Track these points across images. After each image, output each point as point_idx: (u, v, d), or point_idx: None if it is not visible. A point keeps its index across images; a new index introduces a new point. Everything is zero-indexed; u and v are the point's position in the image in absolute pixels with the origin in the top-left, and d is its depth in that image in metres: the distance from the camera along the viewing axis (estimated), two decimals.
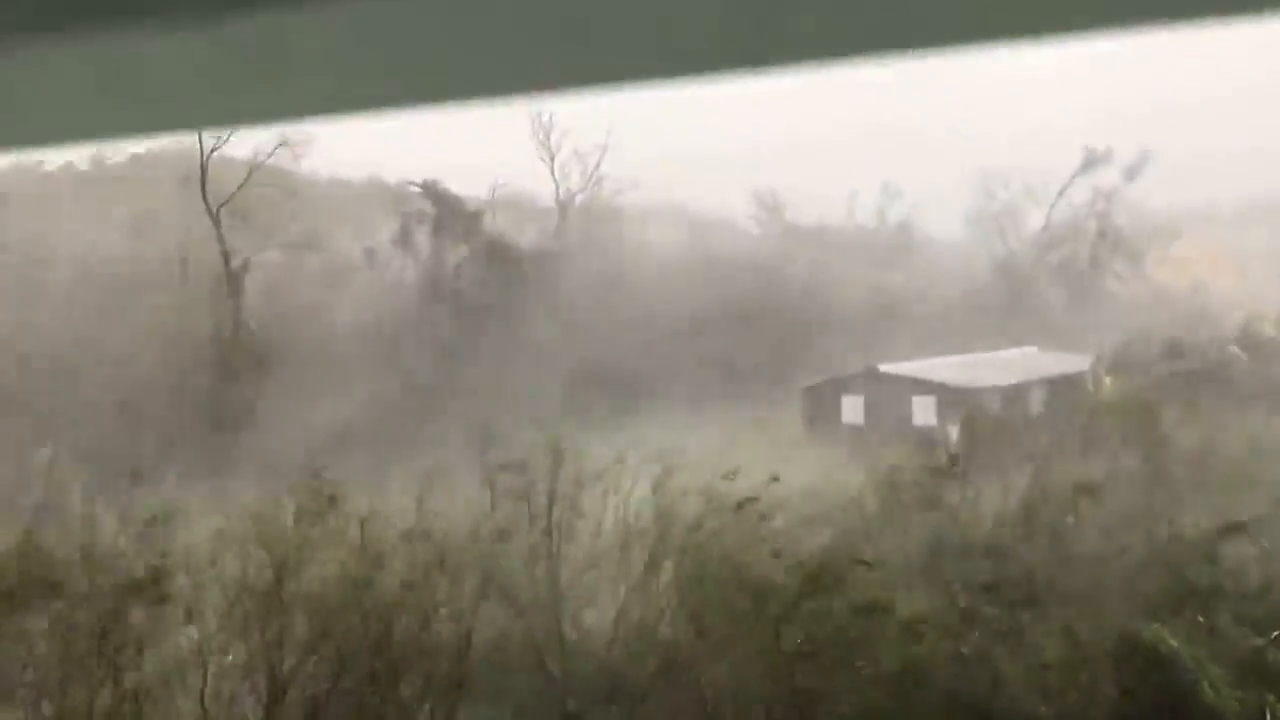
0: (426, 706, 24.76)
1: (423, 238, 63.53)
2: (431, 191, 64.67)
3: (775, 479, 28.46)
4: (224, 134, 56.35)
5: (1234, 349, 51.85)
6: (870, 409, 51.34)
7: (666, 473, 28.63)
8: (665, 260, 66.39)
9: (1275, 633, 17.20)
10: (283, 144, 56.81)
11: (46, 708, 22.27)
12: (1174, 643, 16.97)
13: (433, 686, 25.05)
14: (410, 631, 25.15)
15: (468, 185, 65.88)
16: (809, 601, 23.41)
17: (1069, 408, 45.84)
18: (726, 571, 24.70)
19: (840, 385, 53.41)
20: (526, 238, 66.97)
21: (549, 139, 71.15)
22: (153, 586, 23.23)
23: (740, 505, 26.52)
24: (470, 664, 25.86)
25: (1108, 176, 73.69)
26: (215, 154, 56.91)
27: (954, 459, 35.03)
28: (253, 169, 56.99)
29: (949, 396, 49.31)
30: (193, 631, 23.24)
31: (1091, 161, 72.64)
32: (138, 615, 23.24)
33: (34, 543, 24.62)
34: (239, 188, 56.52)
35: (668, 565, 26.35)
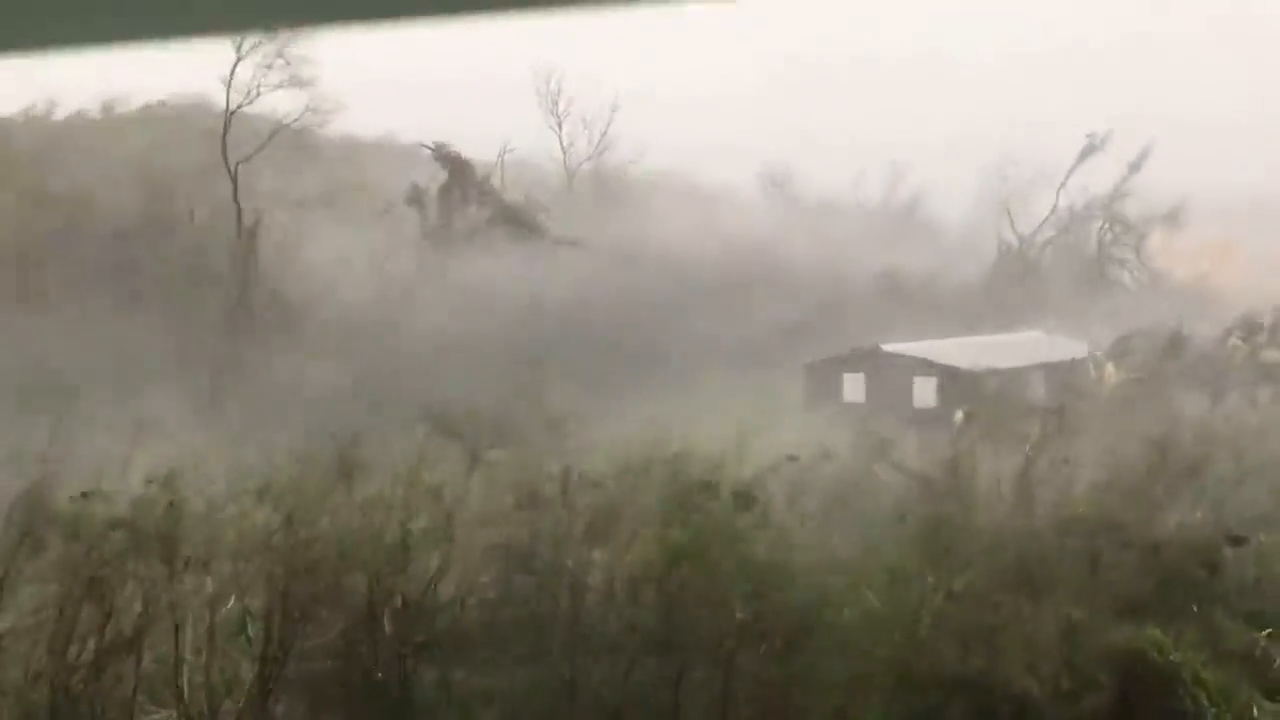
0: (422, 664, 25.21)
1: (432, 200, 63.62)
2: (442, 154, 64.73)
3: (793, 458, 28.63)
4: (251, 93, 56.50)
5: (1235, 340, 52.02)
6: (871, 387, 51.57)
7: (668, 442, 28.87)
8: (671, 230, 66.45)
9: (1269, 630, 17.50)
10: (311, 109, 56.96)
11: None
12: (1173, 655, 17.27)
13: (430, 644, 25.47)
14: (412, 591, 25.55)
15: (478, 150, 66.07)
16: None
17: (1070, 393, 46.08)
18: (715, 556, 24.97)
19: (842, 363, 53.57)
20: (534, 202, 67.01)
21: (556, 106, 71.30)
22: (160, 539, 23.55)
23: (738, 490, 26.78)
24: (469, 623, 26.28)
25: (1115, 166, 73.73)
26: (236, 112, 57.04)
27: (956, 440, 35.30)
28: (275, 131, 57.02)
29: (951, 378, 49.54)
30: (202, 581, 23.57)
31: (1095, 149, 72.65)
32: (144, 565, 23.59)
33: (43, 491, 24.92)
34: (258, 149, 56.51)
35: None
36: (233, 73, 55.92)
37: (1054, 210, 75.82)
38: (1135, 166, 72.35)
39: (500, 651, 24.88)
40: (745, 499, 24.73)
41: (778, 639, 22.44)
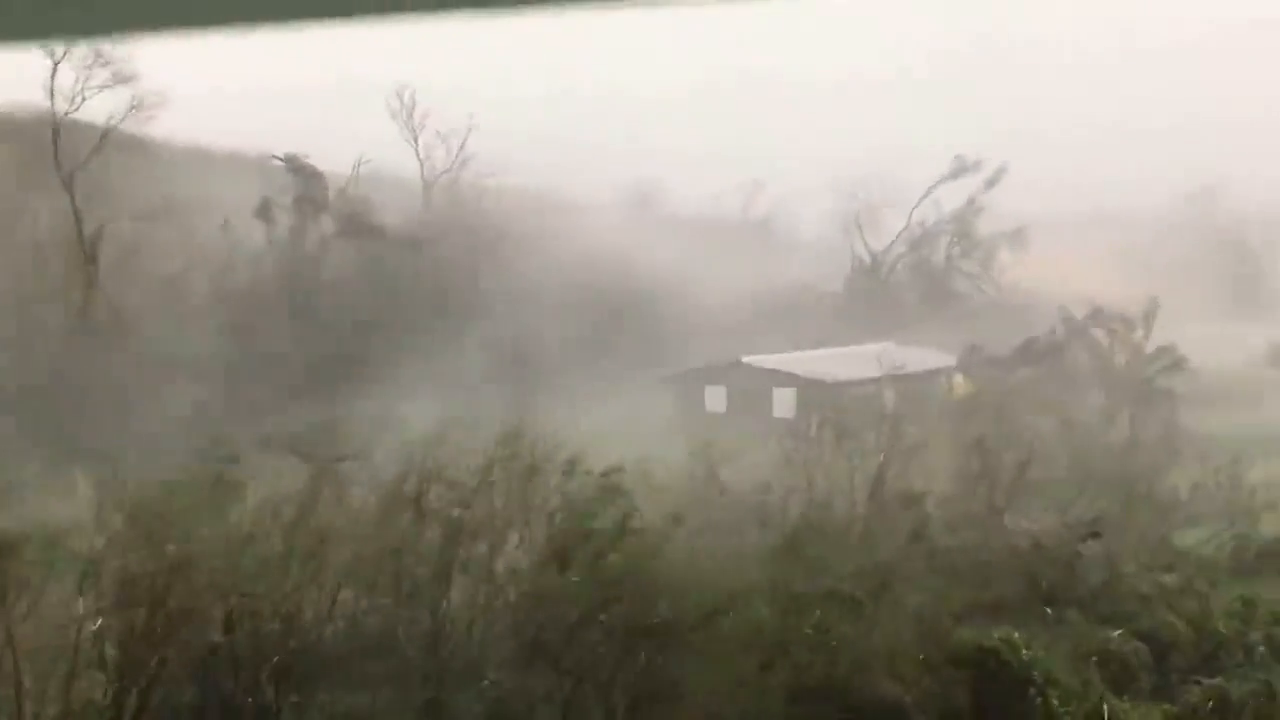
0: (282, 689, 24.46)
1: (283, 211, 62.16)
2: (294, 165, 63.34)
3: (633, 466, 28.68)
4: (76, 99, 54.46)
5: (1078, 350, 53.98)
6: (732, 398, 52.21)
7: (532, 454, 28.63)
8: (531, 244, 66.20)
9: (1117, 632, 18.13)
10: (135, 106, 54.98)
11: None
12: (1025, 653, 17.76)
13: (291, 669, 24.74)
14: (271, 613, 24.81)
15: (332, 162, 64.90)
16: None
17: (922, 403, 47.26)
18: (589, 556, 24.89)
19: (704, 374, 54.16)
20: (389, 216, 66.01)
21: (411, 118, 70.45)
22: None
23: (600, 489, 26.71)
24: (330, 647, 25.61)
25: (965, 184, 76.13)
26: (67, 118, 54.87)
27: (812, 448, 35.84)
28: (105, 133, 54.99)
29: (809, 389, 50.39)
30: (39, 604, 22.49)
31: (965, 169, 75.03)
32: None
33: None
34: (92, 152, 54.45)
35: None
36: (53, 79, 53.80)
37: (906, 226, 77.89)
38: (991, 183, 74.96)
39: (363, 671, 24.31)
40: (616, 504, 24.67)
41: (654, 649, 22.41)
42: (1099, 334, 53.60)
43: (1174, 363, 51.15)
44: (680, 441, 39.61)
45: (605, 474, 27.77)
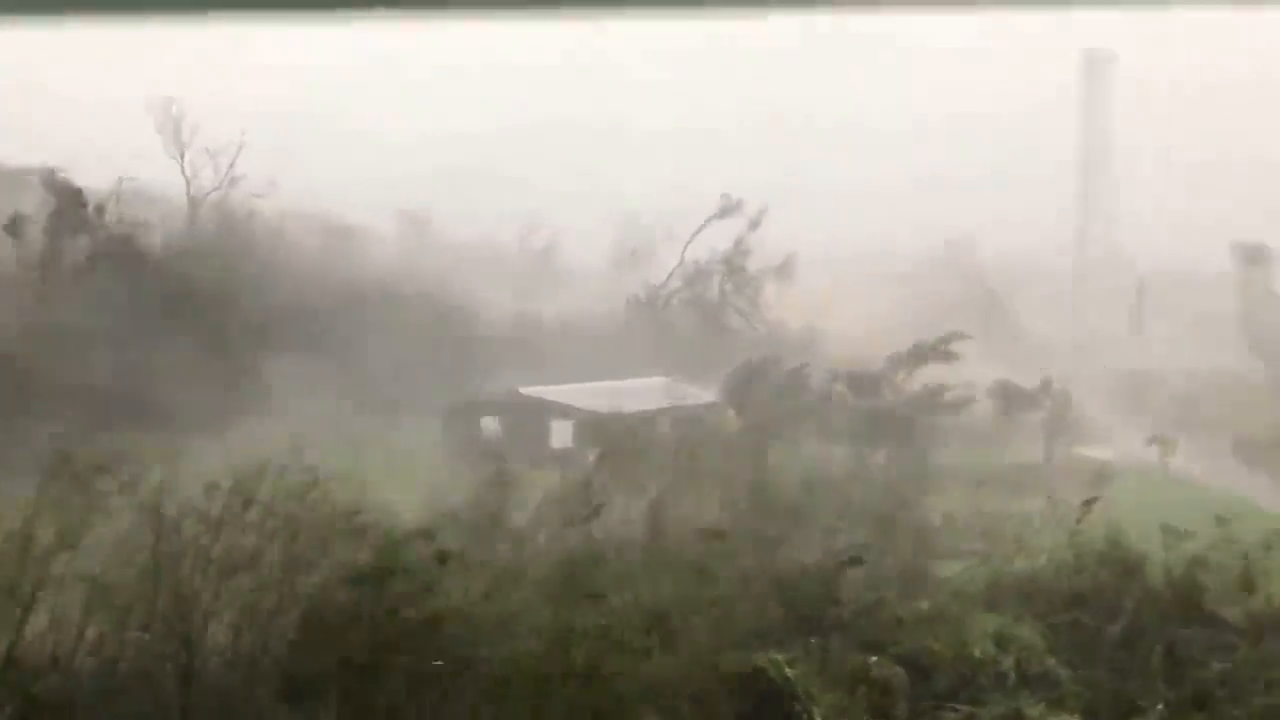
0: None
1: (38, 228, 58.67)
2: (50, 181, 59.93)
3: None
4: None
5: (840, 386, 56.06)
6: (510, 430, 52.01)
7: (296, 484, 27.73)
8: (301, 268, 64.52)
9: (875, 658, 18.77)
10: None
11: None
12: (789, 671, 18.20)
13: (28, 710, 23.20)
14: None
15: (93, 177, 61.66)
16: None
17: (695, 436, 48.14)
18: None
19: (480, 405, 53.81)
20: (153, 236, 63.18)
21: (178, 133, 67.76)
22: None
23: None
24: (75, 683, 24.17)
25: (734, 223, 78.52)
26: None
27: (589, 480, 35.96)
28: None
29: (586, 421, 50.64)
30: None
31: (731, 209, 77.22)
32: None
33: None
34: None
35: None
36: None
37: (681, 263, 79.64)
38: (754, 224, 77.33)
39: (114, 710, 22.96)
40: (386, 539, 24.10)
41: (423, 685, 21.95)
42: (864, 370, 55.78)
43: (932, 400, 53.76)
44: (456, 472, 39.18)
45: (376, 508, 27.14)
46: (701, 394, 58.40)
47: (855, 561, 20.85)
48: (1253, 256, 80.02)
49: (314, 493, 27.02)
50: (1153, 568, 21.54)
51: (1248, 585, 20.41)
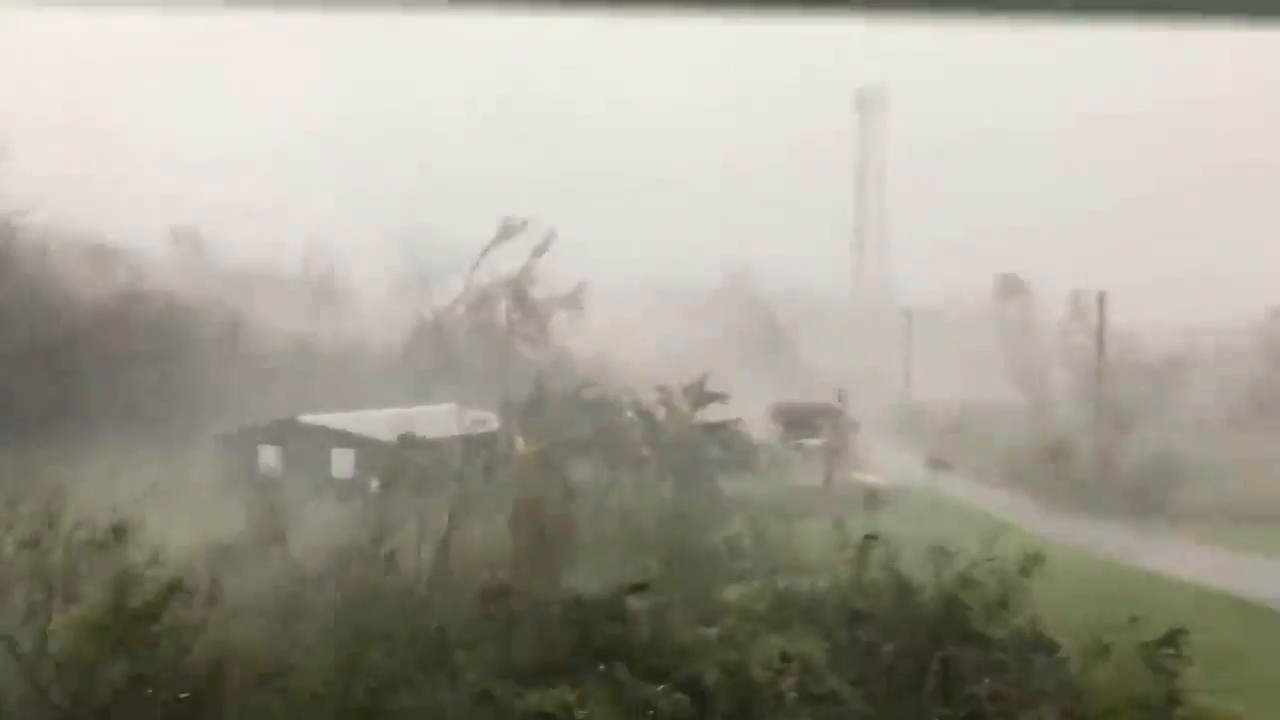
0: None
1: None
2: None
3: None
4: None
5: (630, 414, 56.49)
6: (289, 459, 50.34)
7: (59, 517, 26.11)
8: (71, 291, 61.21)
9: (661, 686, 18.82)
10: None
11: None
12: (579, 713, 18.08)
13: None
14: None
15: None
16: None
17: (484, 465, 47.60)
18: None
19: (259, 434, 51.93)
20: None
21: None
22: None
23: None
24: None
25: (521, 248, 78.49)
26: None
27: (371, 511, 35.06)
28: None
29: (369, 449, 49.47)
30: None
31: (513, 232, 76.93)
32: None
33: None
34: None
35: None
36: None
37: (467, 288, 79.01)
38: (540, 250, 77.42)
39: None
40: (162, 572, 22.83)
41: None
42: (650, 399, 56.34)
43: (715, 428, 54.73)
44: (233, 504, 37.69)
45: (149, 542, 25.75)
46: (490, 421, 57.89)
47: (640, 589, 20.86)
48: (1010, 289, 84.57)
49: (78, 531, 25.50)
50: (925, 588, 22.30)
51: (1010, 605, 21.33)
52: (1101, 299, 62.89)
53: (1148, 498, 55.29)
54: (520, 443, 53.61)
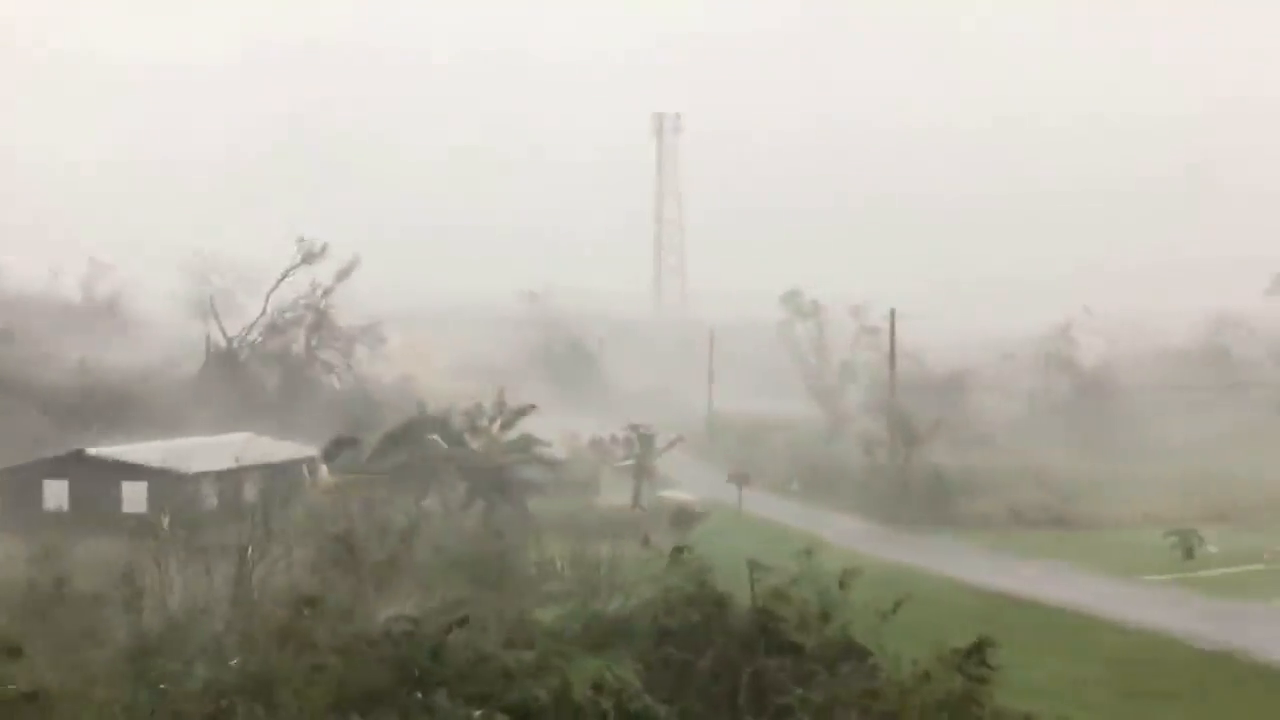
0: None
1: None
2: None
3: None
4: None
5: (435, 437, 55.57)
6: (76, 494, 47.85)
7: None
8: None
9: (480, 711, 18.65)
10: None
11: None
12: None
13: None
14: None
15: None
16: None
17: (286, 494, 46.24)
18: None
19: (44, 468, 49.17)
20: None
21: None
22: None
23: None
24: None
25: (321, 274, 76.90)
26: None
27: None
28: None
29: (162, 481, 47.46)
30: None
31: (313, 257, 75.32)
32: None
33: None
34: None
35: None
36: None
37: (263, 314, 76.76)
38: (343, 275, 75.93)
39: None
40: None
41: None
42: (456, 423, 55.61)
43: (524, 450, 54.44)
44: (15, 544, 35.68)
45: None
46: (290, 450, 56.32)
47: (462, 623, 20.63)
48: (801, 309, 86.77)
49: None
50: (736, 602, 22.73)
51: (823, 616, 21.92)
52: (892, 316, 65.29)
53: (938, 507, 57.66)
54: (324, 471, 52.25)
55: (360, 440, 53.20)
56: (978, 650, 19.60)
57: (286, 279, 74.74)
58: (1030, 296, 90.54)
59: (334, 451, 52.19)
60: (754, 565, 22.48)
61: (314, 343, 78.11)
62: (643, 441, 64.38)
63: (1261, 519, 53.11)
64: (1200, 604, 39.24)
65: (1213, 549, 47.55)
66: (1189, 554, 46.65)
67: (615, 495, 61.24)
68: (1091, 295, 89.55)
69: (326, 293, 76.01)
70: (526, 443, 54.55)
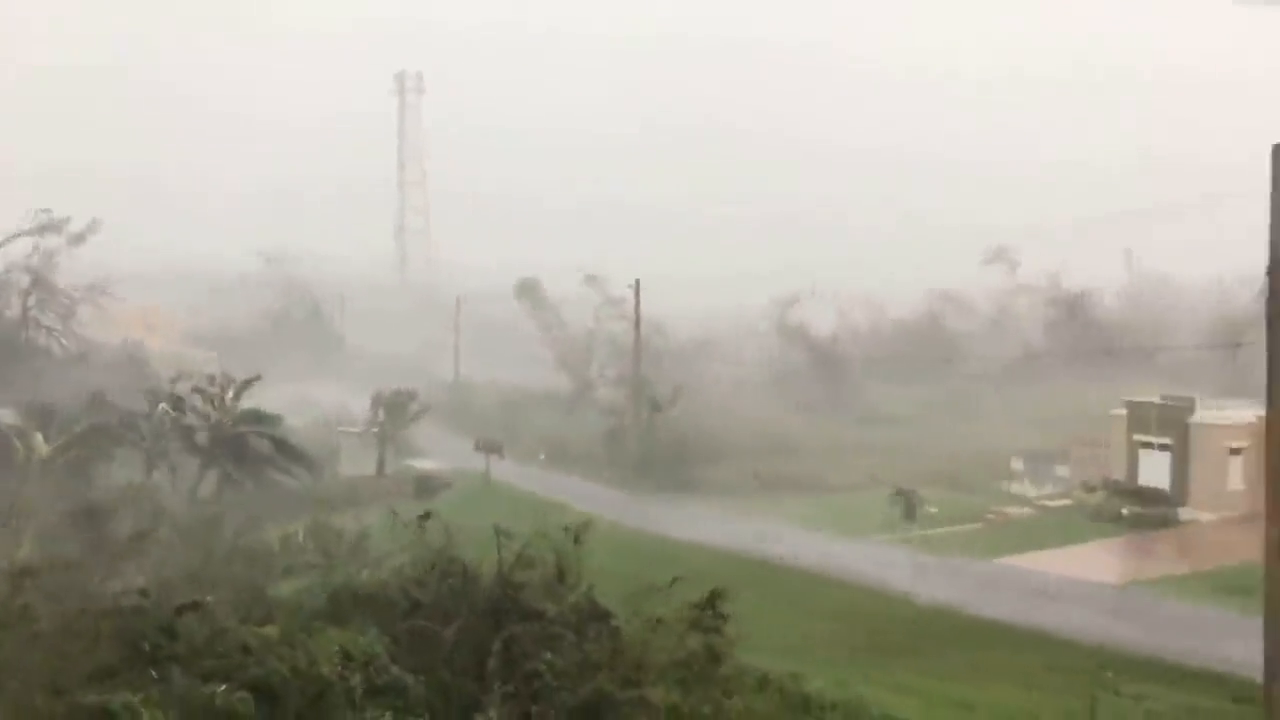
0: None
1: None
2: None
3: None
4: None
5: (164, 406, 53.05)
6: None
7: None
8: None
9: (222, 687, 18.03)
10: None
11: None
12: (144, 715, 16.92)
13: None
14: None
15: None
16: None
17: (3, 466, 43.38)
18: None
19: None
20: None
21: None
22: None
23: None
24: None
25: (47, 237, 72.68)
26: None
27: None
28: None
29: None
30: None
31: (43, 227, 71.19)
32: None
33: None
34: None
35: None
36: None
37: None
38: (77, 240, 72.01)
39: None
40: None
41: None
42: (189, 392, 53.20)
43: (263, 420, 52.67)
44: None
45: None
46: (4, 418, 52.64)
47: (193, 608, 19.81)
48: (526, 290, 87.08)
49: None
50: (483, 570, 22.69)
51: (567, 578, 22.14)
52: (637, 286, 66.28)
53: (680, 473, 59.16)
54: (40, 441, 49.02)
55: (79, 407, 50.35)
56: (711, 602, 20.38)
57: (11, 242, 70.37)
58: (761, 279, 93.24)
59: (50, 419, 49.15)
60: (500, 532, 22.46)
61: (30, 304, 73.26)
62: (388, 409, 63.31)
63: (975, 482, 56.83)
64: (921, 561, 41.80)
65: (933, 509, 50.63)
66: (910, 514, 49.53)
67: (359, 465, 60.12)
68: (822, 270, 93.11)
69: (49, 255, 71.70)
70: (258, 415, 52.73)
